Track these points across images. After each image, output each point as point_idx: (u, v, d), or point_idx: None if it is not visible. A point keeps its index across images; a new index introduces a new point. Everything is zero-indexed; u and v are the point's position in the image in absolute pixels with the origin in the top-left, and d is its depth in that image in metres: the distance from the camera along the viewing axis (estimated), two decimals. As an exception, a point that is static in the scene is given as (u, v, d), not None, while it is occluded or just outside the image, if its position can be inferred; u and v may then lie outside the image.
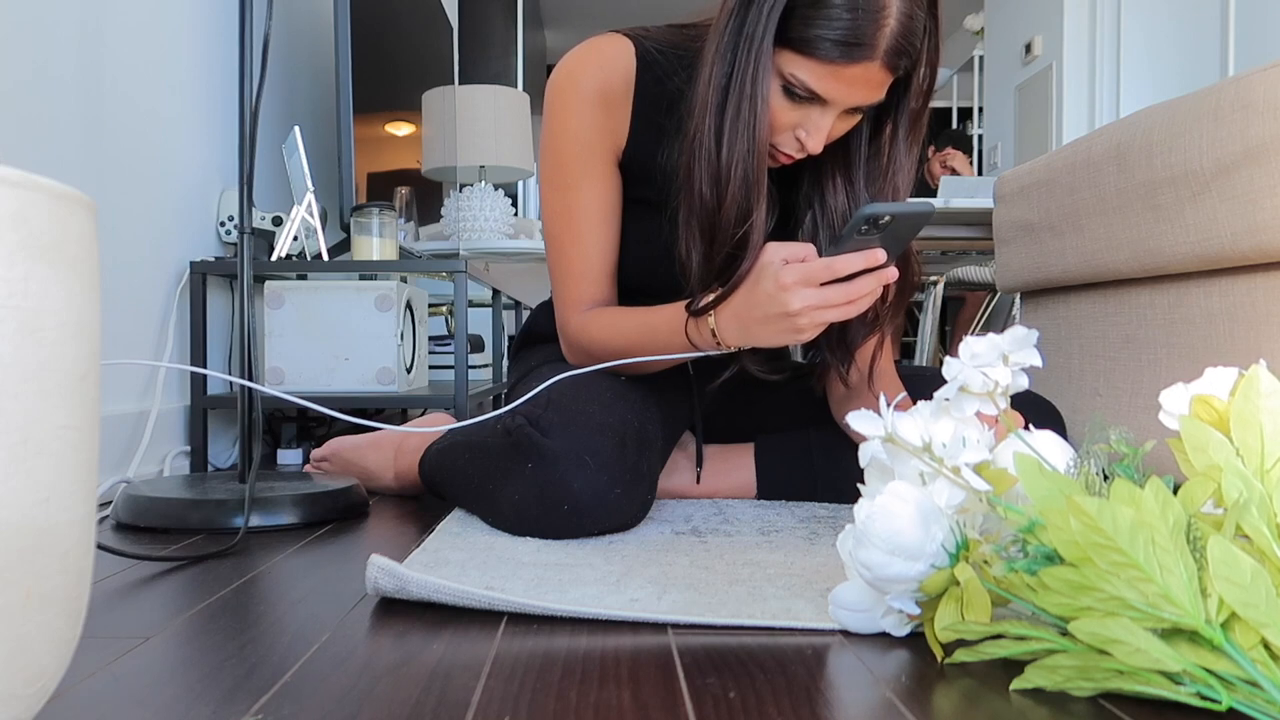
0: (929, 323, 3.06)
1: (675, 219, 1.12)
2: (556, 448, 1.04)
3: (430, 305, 2.64)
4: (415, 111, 2.54)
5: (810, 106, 1.04)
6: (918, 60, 1.04)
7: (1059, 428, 1.25)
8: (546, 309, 1.40)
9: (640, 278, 1.23)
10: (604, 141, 1.17)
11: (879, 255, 0.95)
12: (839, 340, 1.20)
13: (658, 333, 1.12)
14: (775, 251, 1.00)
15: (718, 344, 1.07)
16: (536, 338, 1.40)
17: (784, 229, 1.22)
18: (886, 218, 0.92)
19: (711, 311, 1.06)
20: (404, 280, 1.87)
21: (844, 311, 0.98)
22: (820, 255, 0.98)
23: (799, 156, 1.09)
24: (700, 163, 1.07)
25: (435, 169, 2.64)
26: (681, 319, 1.09)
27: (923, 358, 3.12)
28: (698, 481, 1.33)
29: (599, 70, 1.15)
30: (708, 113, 1.06)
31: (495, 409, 1.20)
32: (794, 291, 0.97)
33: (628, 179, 1.21)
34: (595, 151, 1.17)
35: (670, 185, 1.14)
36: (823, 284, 0.97)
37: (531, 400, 1.12)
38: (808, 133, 1.06)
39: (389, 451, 1.38)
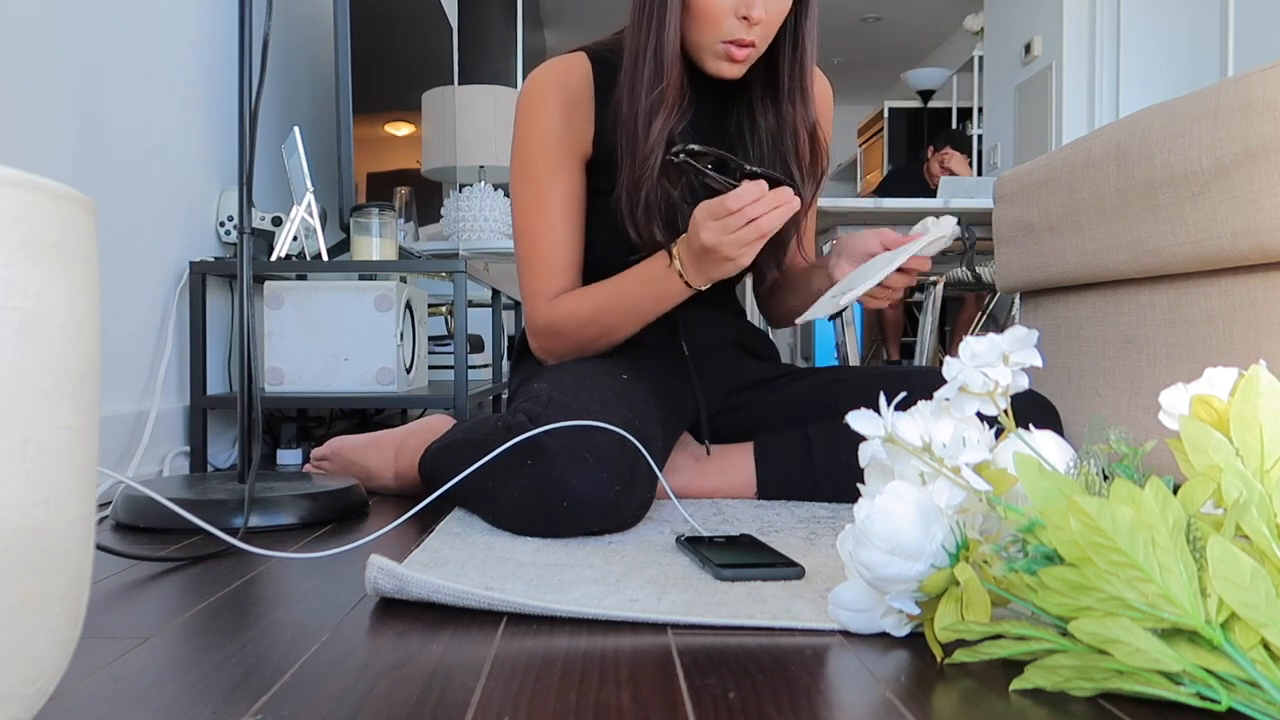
0: (929, 323, 3.06)
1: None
2: (556, 445, 1.05)
3: (430, 305, 2.64)
4: (415, 111, 2.54)
5: None
6: None
7: (1057, 427, 1.25)
8: None
9: (606, 263, 1.29)
10: (570, 136, 1.27)
11: (762, 186, 1.05)
12: (767, 252, 1.30)
13: (627, 293, 1.21)
14: (702, 206, 1.10)
15: (685, 285, 1.17)
16: None
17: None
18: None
19: (676, 257, 1.16)
20: (403, 280, 1.87)
21: (756, 231, 1.07)
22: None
23: (751, 37, 1.17)
24: (625, 89, 1.20)
25: (435, 169, 2.64)
26: (650, 271, 1.19)
27: (923, 358, 3.12)
28: (708, 453, 1.34)
29: (561, 76, 1.28)
30: (632, 36, 1.19)
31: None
32: (703, 225, 1.08)
33: (595, 171, 1.29)
34: (562, 147, 1.27)
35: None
36: (723, 218, 1.06)
37: (532, 398, 1.13)
38: (748, 5, 1.14)
39: (389, 451, 1.38)
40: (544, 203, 1.27)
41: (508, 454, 1.09)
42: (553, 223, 1.26)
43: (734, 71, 1.21)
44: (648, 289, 1.20)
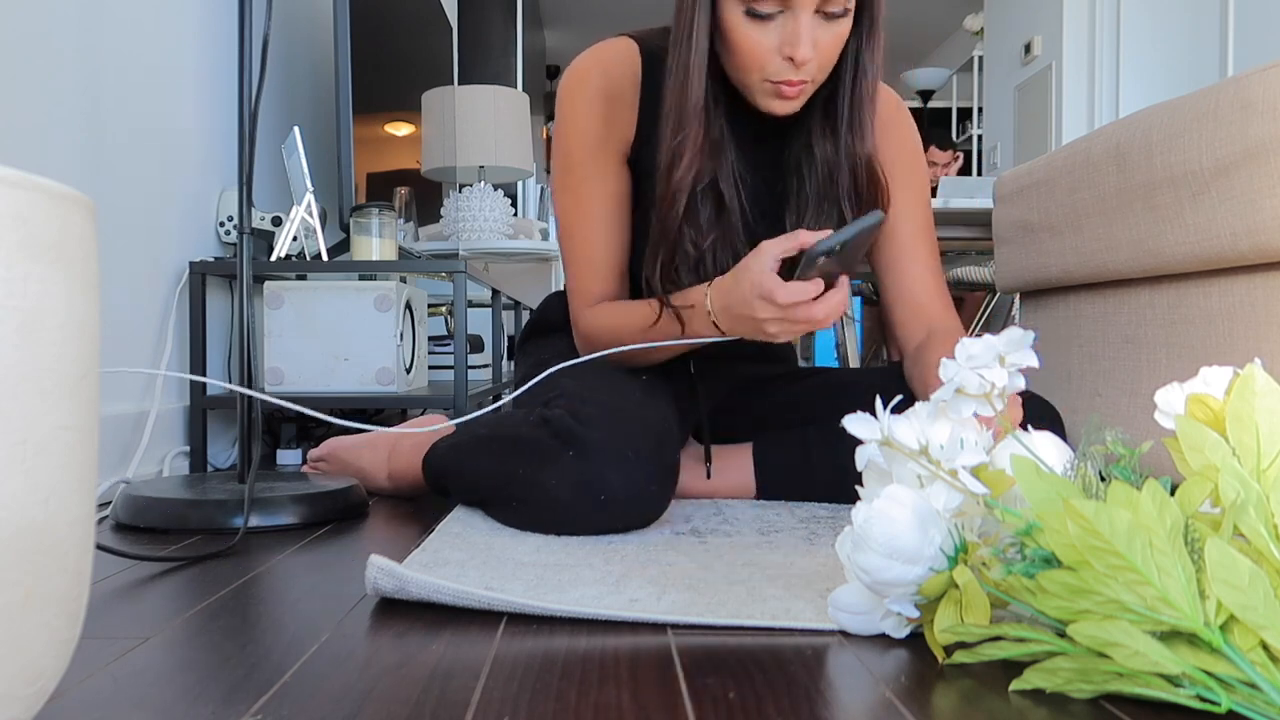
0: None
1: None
2: (599, 439, 1.05)
3: (430, 305, 2.64)
4: (415, 111, 2.54)
5: (781, 18, 1.07)
6: None
7: (1058, 429, 1.25)
8: (557, 299, 1.41)
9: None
10: (611, 136, 1.22)
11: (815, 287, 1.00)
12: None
13: (659, 322, 1.15)
14: (767, 249, 1.02)
15: (717, 329, 1.10)
16: (546, 327, 1.41)
17: (774, 211, 1.26)
18: (837, 246, 0.97)
19: (709, 296, 1.09)
20: (403, 280, 1.87)
21: (808, 328, 1.03)
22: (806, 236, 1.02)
23: (800, 78, 1.10)
24: (662, 137, 1.13)
25: (435, 169, 2.64)
26: (683, 306, 1.13)
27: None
28: (708, 477, 1.33)
29: (605, 69, 1.21)
30: (669, 84, 1.13)
31: (494, 409, 1.20)
32: (761, 305, 1.02)
33: (636, 177, 1.24)
34: (602, 147, 1.22)
35: None
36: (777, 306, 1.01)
37: (564, 394, 1.13)
38: (792, 44, 1.06)
39: (383, 452, 1.38)
40: (583, 203, 1.23)
41: (545, 446, 1.09)
42: (591, 225, 1.23)
43: (786, 108, 1.14)
44: (674, 327, 1.15)
